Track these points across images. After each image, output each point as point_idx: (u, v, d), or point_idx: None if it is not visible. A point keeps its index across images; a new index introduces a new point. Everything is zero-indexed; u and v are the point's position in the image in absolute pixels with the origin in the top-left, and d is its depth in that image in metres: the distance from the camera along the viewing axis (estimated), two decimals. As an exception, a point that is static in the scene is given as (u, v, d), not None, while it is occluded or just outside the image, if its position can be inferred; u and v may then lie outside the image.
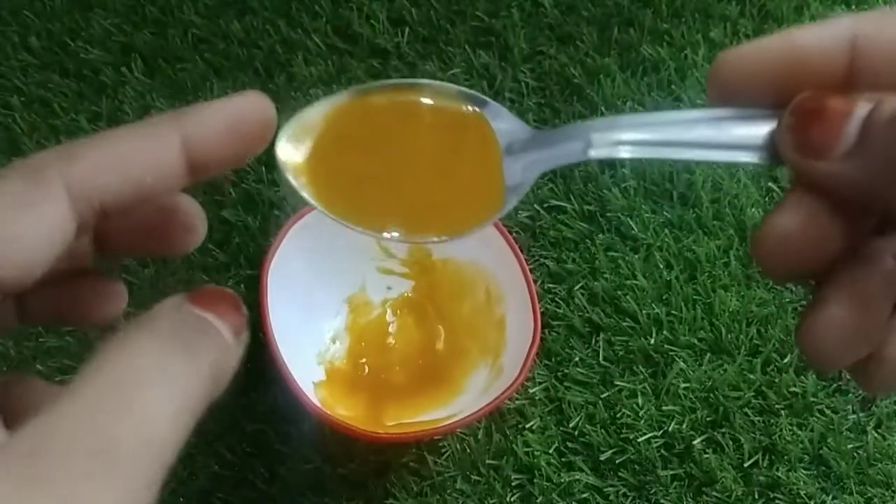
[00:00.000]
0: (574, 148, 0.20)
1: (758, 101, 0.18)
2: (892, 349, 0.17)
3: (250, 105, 0.20)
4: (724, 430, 0.42)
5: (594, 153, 0.20)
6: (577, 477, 0.41)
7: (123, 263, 0.45)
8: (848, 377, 0.43)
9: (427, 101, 0.23)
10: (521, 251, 0.42)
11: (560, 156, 0.21)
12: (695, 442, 0.41)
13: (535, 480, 0.41)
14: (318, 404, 0.38)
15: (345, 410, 0.40)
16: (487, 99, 0.22)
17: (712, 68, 0.18)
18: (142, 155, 0.17)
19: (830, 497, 0.41)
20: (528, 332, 0.39)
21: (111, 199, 0.17)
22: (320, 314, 0.42)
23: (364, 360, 0.43)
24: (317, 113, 0.23)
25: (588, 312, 0.44)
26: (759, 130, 0.18)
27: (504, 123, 0.22)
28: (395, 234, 0.22)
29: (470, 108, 0.23)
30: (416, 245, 0.42)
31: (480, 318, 0.42)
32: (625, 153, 0.20)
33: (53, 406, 0.14)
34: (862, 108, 0.16)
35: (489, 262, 0.42)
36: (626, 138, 0.19)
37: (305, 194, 0.22)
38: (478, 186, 0.22)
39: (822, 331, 0.17)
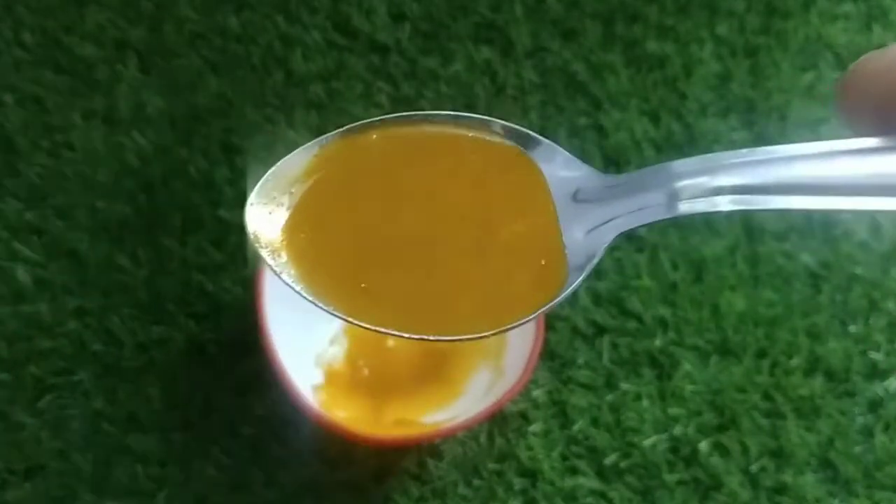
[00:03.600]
0: (656, 200, 0.15)
1: None
2: None
3: None
4: (730, 433, 0.41)
5: (685, 206, 0.14)
6: (580, 481, 0.40)
7: (119, 263, 0.44)
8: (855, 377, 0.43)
9: (448, 139, 0.16)
10: None
11: (637, 212, 0.15)
12: (701, 445, 0.41)
13: (538, 485, 0.40)
14: (317, 407, 0.37)
15: (344, 413, 0.39)
16: (537, 136, 0.16)
17: (849, 78, 0.13)
18: None
19: (838, 501, 0.40)
20: (530, 333, 0.39)
21: None
22: (318, 317, 0.41)
23: (363, 362, 0.42)
24: (297, 165, 0.16)
25: (592, 313, 0.44)
26: None
27: (560, 168, 0.16)
28: (412, 335, 0.16)
29: (510, 147, 0.16)
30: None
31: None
32: (729, 205, 0.14)
33: None
34: None
35: None
36: (730, 183, 0.14)
37: (286, 278, 0.16)
38: (526, 258, 0.16)
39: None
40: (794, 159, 0.14)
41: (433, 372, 0.42)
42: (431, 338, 0.16)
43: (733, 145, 0.48)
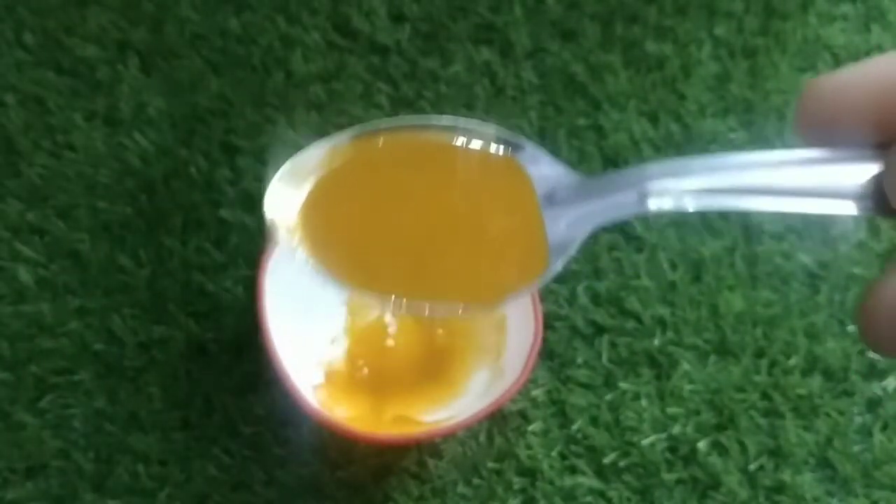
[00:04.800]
0: (628, 198, 0.17)
1: (860, 139, 0.15)
2: None
3: None
4: (729, 432, 0.41)
5: (654, 204, 0.16)
6: (579, 480, 0.40)
7: (120, 263, 0.44)
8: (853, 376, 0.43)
9: (448, 143, 0.19)
10: None
11: (611, 208, 0.17)
12: (699, 444, 0.41)
13: (537, 484, 0.40)
14: (318, 407, 0.37)
15: (344, 413, 0.40)
16: (523, 141, 0.19)
17: (802, 98, 0.15)
18: None
19: (836, 500, 0.40)
20: (529, 332, 0.39)
21: None
22: (318, 316, 0.41)
23: (363, 362, 0.42)
24: (314, 157, 0.19)
25: (591, 313, 0.44)
26: (861, 175, 0.15)
27: (543, 169, 0.18)
28: (415, 304, 0.18)
29: (500, 151, 0.19)
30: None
31: (480, 319, 0.42)
32: (693, 204, 0.16)
33: None
34: None
35: None
36: (694, 186, 0.16)
37: (300, 254, 0.19)
38: (513, 246, 0.19)
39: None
40: (751, 166, 0.16)
41: (433, 371, 0.42)
42: (427, 311, 0.19)
43: (731, 145, 0.49)
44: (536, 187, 0.18)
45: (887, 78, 0.14)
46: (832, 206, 0.15)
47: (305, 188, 0.19)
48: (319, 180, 0.19)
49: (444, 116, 0.19)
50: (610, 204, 0.17)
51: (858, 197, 0.15)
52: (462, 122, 0.19)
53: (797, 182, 0.15)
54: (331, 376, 0.41)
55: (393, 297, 0.18)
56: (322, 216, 0.19)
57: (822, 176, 0.15)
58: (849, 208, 0.15)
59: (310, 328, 0.41)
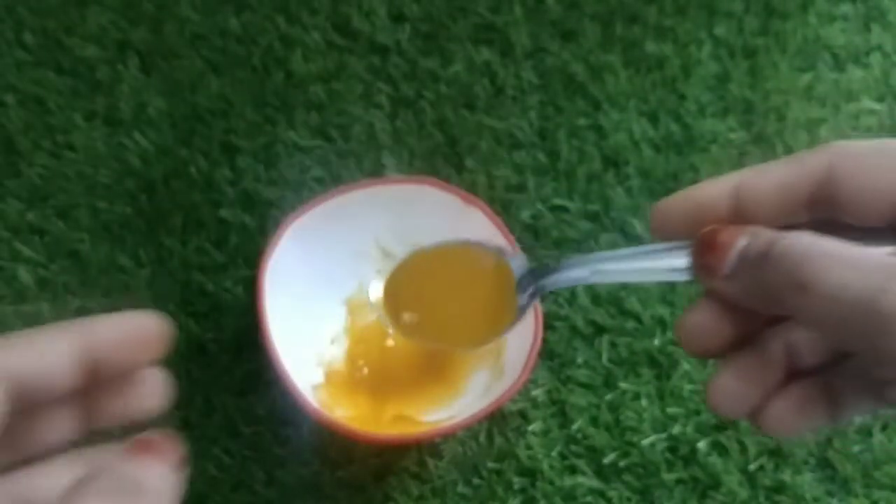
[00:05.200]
0: (553, 281, 0.29)
1: (684, 235, 0.24)
2: (772, 410, 0.24)
3: (144, 323, 0.23)
4: (728, 432, 0.41)
5: (564, 284, 0.29)
6: (579, 480, 0.40)
7: (120, 263, 0.45)
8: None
9: (457, 251, 0.34)
10: (524, 251, 0.41)
11: (547, 286, 0.30)
12: (699, 445, 0.41)
13: (537, 484, 0.40)
14: (318, 407, 0.37)
15: (344, 413, 0.40)
16: (512, 250, 0.36)
17: (651, 215, 0.25)
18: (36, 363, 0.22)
19: (836, 500, 0.40)
20: (529, 332, 0.39)
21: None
22: (318, 316, 0.41)
23: (363, 362, 0.42)
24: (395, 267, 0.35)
25: (591, 313, 0.44)
26: (681, 258, 0.24)
27: (518, 264, 0.32)
28: (438, 343, 0.35)
29: (492, 253, 0.33)
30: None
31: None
32: (589, 281, 0.28)
33: None
34: (741, 241, 0.22)
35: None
36: (585, 275, 0.28)
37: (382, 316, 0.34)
38: (500, 309, 0.32)
39: (716, 392, 0.24)
40: (623, 258, 0.27)
41: (433, 371, 0.42)
42: (434, 345, 0.36)
43: (731, 145, 0.49)
44: (515, 273, 0.31)
45: (687, 202, 0.24)
46: (669, 277, 0.25)
47: (388, 282, 0.34)
48: (391, 275, 0.34)
49: (463, 238, 0.33)
50: (545, 284, 0.30)
51: (682, 271, 0.24)
52: (474, 239, 0.33)
53: (648, 265, 0.26)
54: (331, 376, 0.41)
55: (423, 339, 0.33)
56: (394, 295, 0.34)
57: (661, 260, 0.25)
58: (679, 277, 0.24)
59: (310, 328, 0.41)
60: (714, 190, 0.24)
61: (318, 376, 0.41)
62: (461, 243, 0.34)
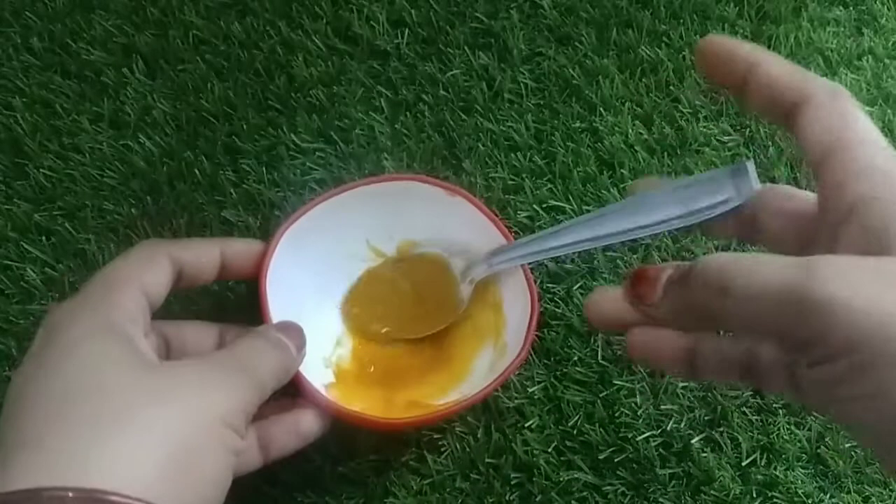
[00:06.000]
0: (481, 269, 0.41)
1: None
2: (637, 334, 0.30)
3: (256, 246, 0.39)
4: (721, 429, 0.42)
5: (490, 270, 0.41)
6: (575, 475, 0.41)
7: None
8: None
9: (424, 258, 0.44)
10: (512, 234, 0.43)
11: (478, 274, 0.42)
12: (693, 441, 0.42)
13: (533, 479, 0.41)
14: (336, 402, 0.39)
15: (360, 406, 0.41)
16: (451, 253, 0.43)
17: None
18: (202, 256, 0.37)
19: (828, 496, 0.41)
20: (525, 308, 0.40)
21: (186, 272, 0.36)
22: (318, 320, 0.42)
23: (369, 359, 0.43)
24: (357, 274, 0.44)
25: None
26: (622, 222, 0.33)
27: (459, 261, 0.43)
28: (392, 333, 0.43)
29: (441, 259, 0.43)
30: (403, 245, 0.45)
31: (476, 301, 0.43)
32: (539, 257, 0.40)
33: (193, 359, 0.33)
34: (665, 274, 0.27)
35: (478, 248, 0.43)
36: (513, 256, 0.40)
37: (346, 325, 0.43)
38: (448, 301, 0.43)
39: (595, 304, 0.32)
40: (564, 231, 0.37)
41: (438, 359, 0.43)
42: (410, 336, 0.43)
43: (724, 148, 0.49)
44: (455, 270, 0.43)
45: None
46: (614, 239, 0.35)
47: (354, 291, 0.44)
48: (355, 287, 0.44)
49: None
50: (476, 272, 0.41)
51: (627, 230, 0.35)
52: (436, 252, 0.44)
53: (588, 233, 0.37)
54: (340, 375, 0.42)
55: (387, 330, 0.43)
56: (358, 300, 0.43)
57: (605, 225, 0.36)
58: (624, 237, 0.35)
59: (314, 329, 0.42)
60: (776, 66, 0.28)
61: (329, 377, 0.42)
62: (409, 256, 0.43)
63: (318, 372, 0.41)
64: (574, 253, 0.43)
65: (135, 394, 0.28)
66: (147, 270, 0.33)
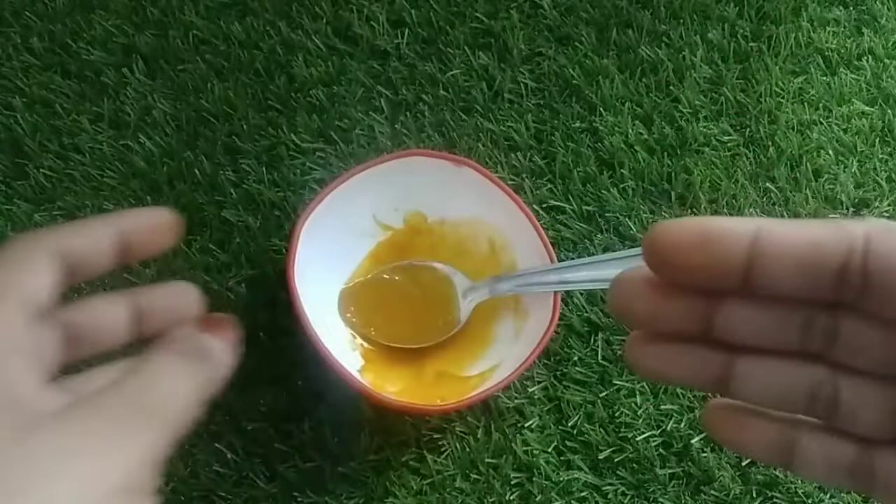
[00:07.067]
0: (483, 293, 0.43)
1: (688, 268, 0.22)
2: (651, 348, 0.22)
3: (161, 215, 0.29)
4: (721, 428, 0.42)
5: (491, 294, 0.43)
6: (575, 475, 0.41)
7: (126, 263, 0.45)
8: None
9: (420, 269, 0.44)
10: (527, 204, 0.44)
11: (479, 297, 0.43)
12: (693, 441, 0.42)
13: (534, 479, 0.41)
14: (370, 388, 0.39)
15: (393, 388, 0.42)
16: (455, 270, 0.44)
17: (652, 236, 0.21)
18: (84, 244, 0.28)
19: (828, 496, 0.41)
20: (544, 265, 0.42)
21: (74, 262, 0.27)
22: (338, 316, 0.44)
23: (394, 342, 0.44)
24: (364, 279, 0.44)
25: (587, 312, 0.45)
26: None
27: (461, 281, 0.44)
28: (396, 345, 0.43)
29: (443, 273, 0.44)
30: (410, 217, 0.46)
31: (489, 267, 0.44)
32: (553, 289, 0.41)
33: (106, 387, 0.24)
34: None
35: (488, 216, 0.44)
36: (513, 285, 0.42)
37: (350, 326, 0.43)
38: (444, 317, 0.43)
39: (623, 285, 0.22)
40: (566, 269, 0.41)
41: (460, 331, 0.44)
42: (402, 346, 0.44)
43: (724, 147, 0.49)
44: (458, 288, 0.44)
45: (706, 236, 0.20)
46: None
47: (355, 297, 0.44)
48: (352, 288, 0.44)
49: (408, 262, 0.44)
50: (478, 295, 0.43)
51: None
52: (436, 265, 0.45)
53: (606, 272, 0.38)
54: (368, 358, 0.43)
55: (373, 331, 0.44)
56: (355, 306, 0.44)
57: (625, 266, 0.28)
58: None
59: (333, 318, 0.43)
60: (733, 225, 0.19)
61: (358, 359, 0.42)
62: (409, 266, 0.44)
63: (348, 357, 0.42)
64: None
65: (8, 471, 0.21)
66: (25, 274, 0.26)
